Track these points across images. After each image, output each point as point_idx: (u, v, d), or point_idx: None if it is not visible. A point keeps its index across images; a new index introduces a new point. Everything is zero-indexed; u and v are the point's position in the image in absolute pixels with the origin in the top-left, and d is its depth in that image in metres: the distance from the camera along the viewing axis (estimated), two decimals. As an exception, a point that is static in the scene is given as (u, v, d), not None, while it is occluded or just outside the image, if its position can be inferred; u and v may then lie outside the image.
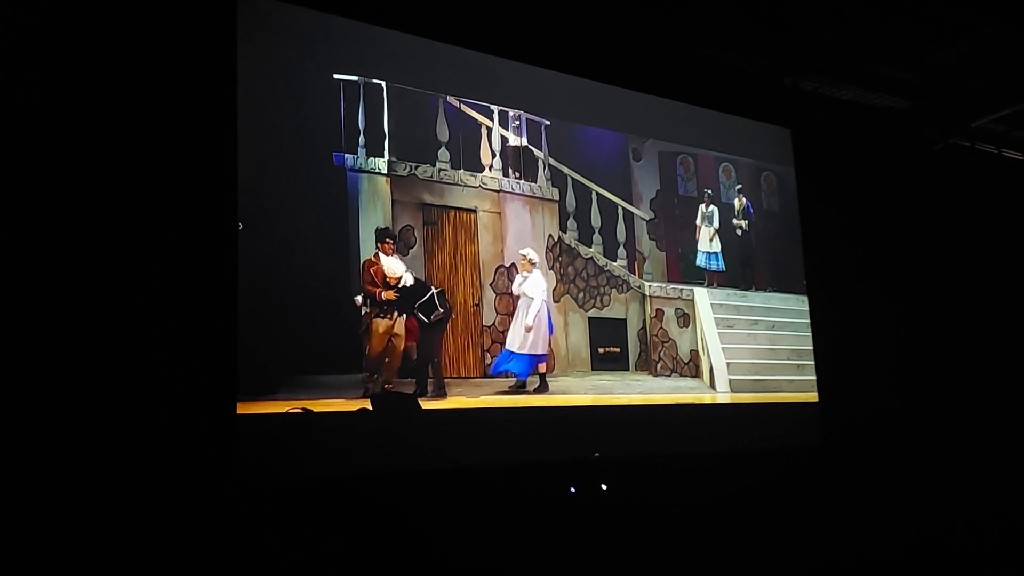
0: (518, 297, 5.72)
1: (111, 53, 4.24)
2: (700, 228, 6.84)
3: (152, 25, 4.37)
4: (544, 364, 5.73)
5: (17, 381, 3.80)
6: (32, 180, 3.99)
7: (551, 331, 5.81)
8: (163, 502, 4.01)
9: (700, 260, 6.80)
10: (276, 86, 4.79)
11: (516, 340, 5.66)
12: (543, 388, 5.69)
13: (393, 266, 5.15)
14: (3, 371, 3.78)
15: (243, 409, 4.34)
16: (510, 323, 5.66)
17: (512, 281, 5.70)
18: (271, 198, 4.67)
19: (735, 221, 7.02)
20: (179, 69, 4.41)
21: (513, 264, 5.73)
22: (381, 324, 5.08)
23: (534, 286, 5.76)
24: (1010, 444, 7.27)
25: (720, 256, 6.86)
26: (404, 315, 5.17)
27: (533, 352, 5.70)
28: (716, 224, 6.88)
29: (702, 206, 6.87)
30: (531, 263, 5.77)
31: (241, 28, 4.62)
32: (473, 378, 5.47)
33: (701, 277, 6.75)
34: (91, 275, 4.06)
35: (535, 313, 5.69)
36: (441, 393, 5.26)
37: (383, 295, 5.09)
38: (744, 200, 7.09)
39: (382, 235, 5.17)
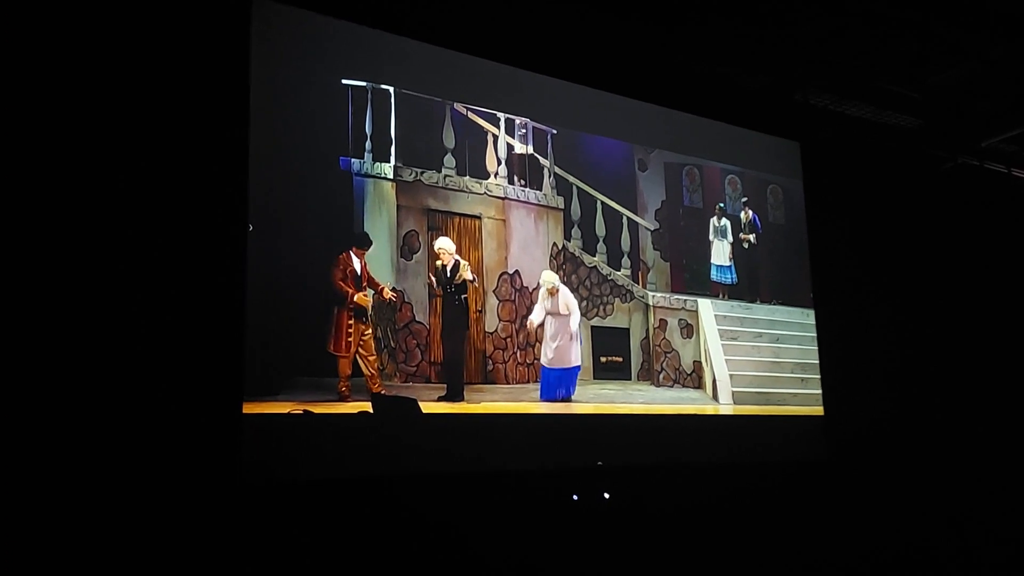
0: (554, 314, 5.78)
1: (126, 57, 4.30)
2: (713, 242, 6.84)
3: (167, 30, 4.43)
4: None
5: (25, 380, 3.84)
6: (47, 183, 4.04)
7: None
8: (167, 501, 4.04)
9: (714, 274, 6.80)
10: (285, 90, 4.82)
11: (572, 356, 5.83)
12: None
13: (358, 270, 5.05)
14: (11, 370, 3.82)
15: (248, 409, 4.37)
16: (514, 330, 5.68)
17: (516, 289, 5.73)
18: (279, 201, 4.70)
19: (741, 235, 7.02)
20: (193, 73, 4.46)
21: (517, 271, 5.76)
22: (353, 325, 4.96)
23: (571, 300, 5.88)
24: (1016, 457, 7.23)
25: (733, 269, 6.87)
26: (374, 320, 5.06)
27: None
28: (730, 237, 6.90)
29: (713, 219, 6.88)
30: (556, 289, 5.83)
31: (253, 32, 4.67)
32: (476, 384, 5.49)
33: (705, 288, 6.75)
34: (103, 274, 4.11)
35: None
36: (458, 397, 5.30)
37: (356, 298, 4.97)
38: (750, 213, 7.09)
39: (362, 240, 5.09)
